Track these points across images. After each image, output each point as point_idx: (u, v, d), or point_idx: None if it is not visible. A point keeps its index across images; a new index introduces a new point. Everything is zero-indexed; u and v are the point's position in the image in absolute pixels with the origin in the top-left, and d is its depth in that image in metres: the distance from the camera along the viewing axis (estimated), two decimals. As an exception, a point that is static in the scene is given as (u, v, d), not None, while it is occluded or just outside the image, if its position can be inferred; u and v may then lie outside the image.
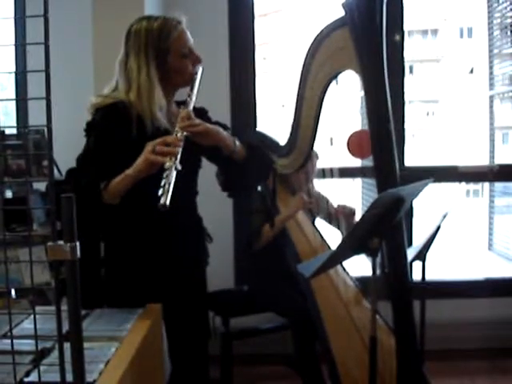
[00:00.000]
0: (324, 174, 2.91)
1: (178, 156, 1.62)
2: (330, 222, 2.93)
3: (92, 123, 1.81)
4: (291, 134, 2.29)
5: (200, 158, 1.99)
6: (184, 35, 1.84)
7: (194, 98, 1.82)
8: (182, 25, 1.85)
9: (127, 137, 1.75)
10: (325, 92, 2.15)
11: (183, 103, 1.83)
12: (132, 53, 1.80)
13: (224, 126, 1.93)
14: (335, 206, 2.87)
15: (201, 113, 1.93)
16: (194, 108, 1.83)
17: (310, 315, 2.48)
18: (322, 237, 2.75)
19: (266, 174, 2.16)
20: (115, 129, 1.76)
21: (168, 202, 1.52)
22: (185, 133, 1.70)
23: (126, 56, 1.82)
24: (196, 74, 1.85)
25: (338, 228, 2.86)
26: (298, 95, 2.20)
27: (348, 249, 1.82)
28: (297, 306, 2.60)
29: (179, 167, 1.60)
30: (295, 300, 2.63)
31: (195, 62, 1.86)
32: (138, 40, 1.80)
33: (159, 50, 1.80)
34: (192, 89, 1.83)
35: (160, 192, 1.54)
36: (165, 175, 1.58)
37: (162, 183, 1.56)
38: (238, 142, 1.87)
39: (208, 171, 2.04)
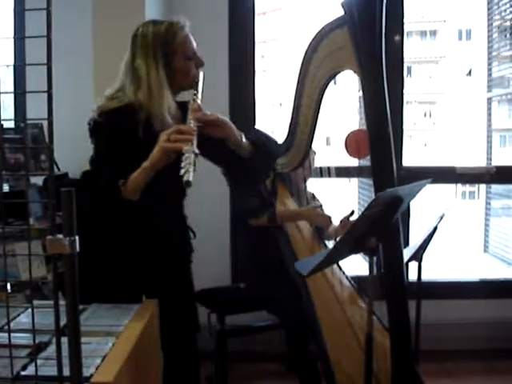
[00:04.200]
0: (321, 172, 2.90)
1: (195, 142, 1.64)
2: None
3: (98, 126, 1.82)
4: (289, 133, 2.29)
5: None
6: (188, 38, 1.90)
7: (199, 99, 1.84)
8: (187, 28, 1.89)
9: (134, 139, 1.77)
10: (323, 91, 2.15)
11: (184, 104, 1.87)
12: (139, 54, 1.84)
13: None
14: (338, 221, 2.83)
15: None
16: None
17: (304, 315, 2.48)
18: (318, 235, 2.76)
19: (270, 170, 2.23)
20: (122, 132, 1.78)
21: (191, 179, 1.54)
22: (197, 123, 1.72)
23: (132, 57, 1.85)
24: (198, 76, 1.90)
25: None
26: (296, 94, 2.20)
27: (345, 248, 1.82)
28: (290, 306, 2.60)
29: (197, 151, 1.62)
30: (289, 300, 2.63)
31: (198, 65, 1.92)
32: (145, 42, 1.84)
33: (166, 51, 1.84)
34: (197, 90, 1.86)
35: (182, 171, 1.55)
36: (184, 158, 1.59)
37: (183, 164, 1.57)
38: (244, 138, 1.89)
39: (205, 169, 2.04)
